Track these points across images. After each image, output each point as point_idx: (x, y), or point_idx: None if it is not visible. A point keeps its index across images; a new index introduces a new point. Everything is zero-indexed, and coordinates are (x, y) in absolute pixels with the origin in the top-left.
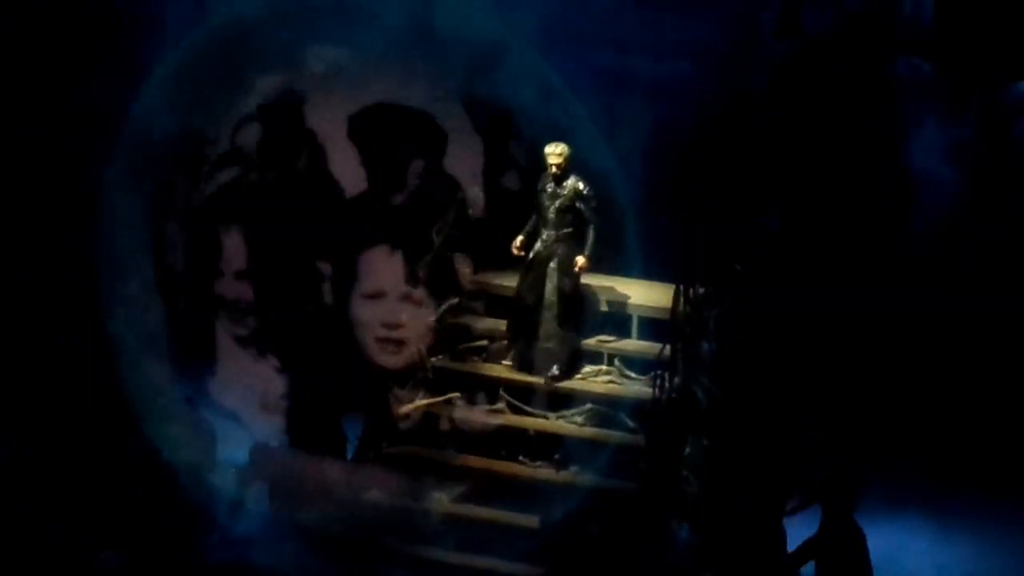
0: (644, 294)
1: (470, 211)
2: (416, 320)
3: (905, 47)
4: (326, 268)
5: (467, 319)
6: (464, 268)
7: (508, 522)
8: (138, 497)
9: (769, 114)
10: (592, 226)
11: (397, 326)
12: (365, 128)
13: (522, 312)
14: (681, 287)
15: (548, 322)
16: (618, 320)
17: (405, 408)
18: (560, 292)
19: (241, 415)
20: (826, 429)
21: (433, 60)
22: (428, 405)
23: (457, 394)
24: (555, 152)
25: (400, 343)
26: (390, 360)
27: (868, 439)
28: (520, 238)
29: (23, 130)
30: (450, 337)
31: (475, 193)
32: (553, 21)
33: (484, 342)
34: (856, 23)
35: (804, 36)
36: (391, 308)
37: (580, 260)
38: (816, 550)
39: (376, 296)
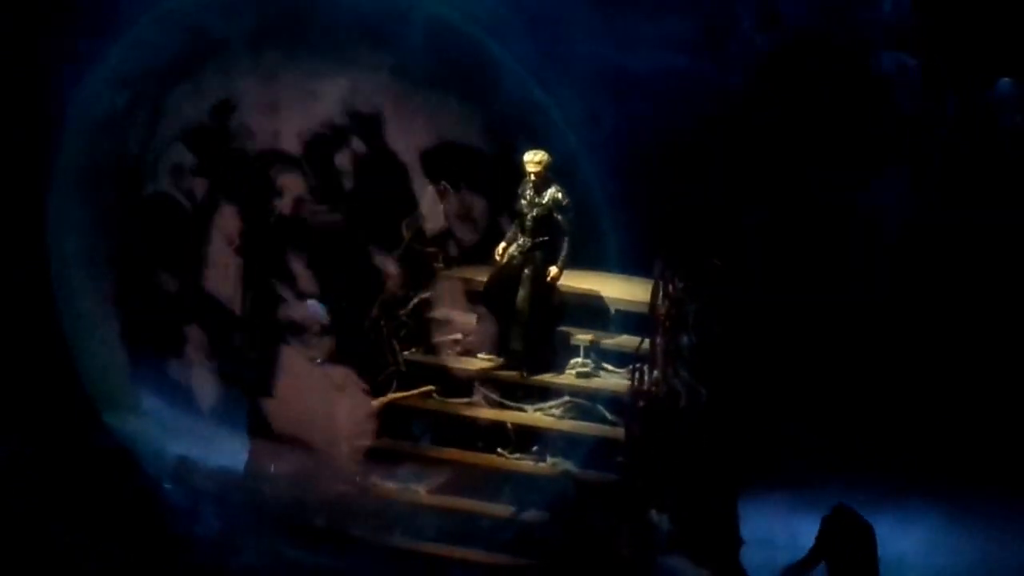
0: (622, 288)
1: (440, 205)
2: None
3: (888, 42)
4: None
5: (441, 312)
6: (436, 262)
7: (486, 513)
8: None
9: (752, 108)
10: (567, 237)
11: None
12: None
13: (491, 314)
14: (660, 281)
15: (518, 327)
16: (596, 314)
17: (378, 401)
18: (532, 299)
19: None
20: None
21: (405, 53)
22: (403, 398)
23: (432, 387)
24: (534, 160)
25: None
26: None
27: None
28: (503, 244)
29: None
30: (423, 330)
31: (443, 187)
32: (529, 14)
33: (458, 336)
34: (837, 16)
35: (784, 29)
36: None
37: (553, 270)
38: (823, 550)
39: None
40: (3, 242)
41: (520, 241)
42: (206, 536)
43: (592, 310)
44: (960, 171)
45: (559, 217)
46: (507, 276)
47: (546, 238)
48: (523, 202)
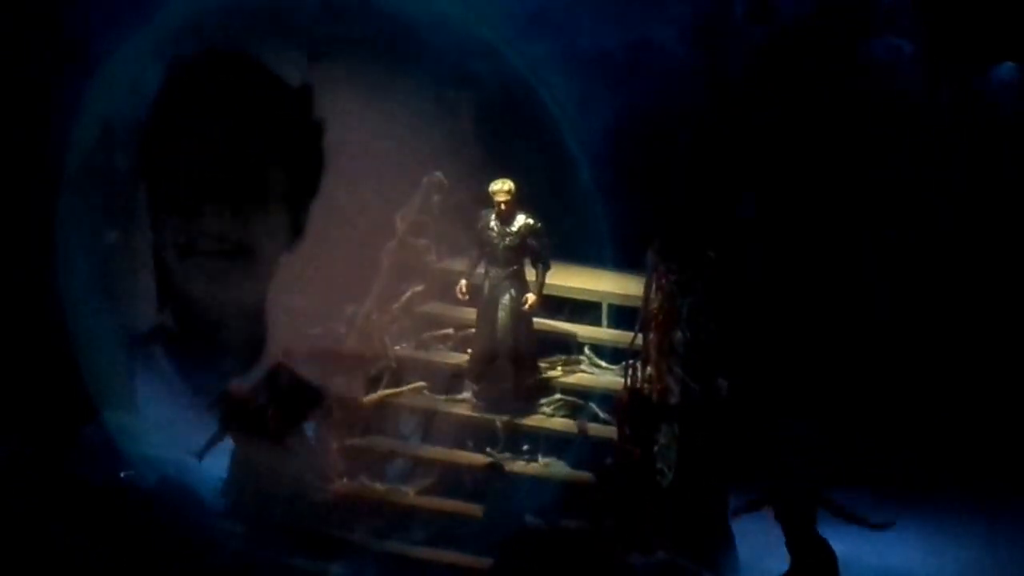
0: (615, 283)
1: (435, 197)
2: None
3: (886, 29)
4: None
5: (432, 307)
6: (429, 255)
7: (474, 515)
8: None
9: (747, 99)
10: (543, 262)
11: None
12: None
13: (479, 352)
14: (653, 275)
15: (503, 361)
16: (589, 309)
17: (369, 397)
18: (513, 331)
19: None
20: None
21: (398, 41)
22: (393, 395)
23: (423, 383)
24: (502, 189)
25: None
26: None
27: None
28: (464, 282)
29: None
30: (414, 325)
31: (438, 178)
32: (522, 3)
33: (449, 330)
34: (832, 5)
35: (778, 19)
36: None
37: (531, 298)
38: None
39: None
40: (5, 242)
41: (491, 274)
42: (195, 536)
43: (584, 306)
44: (960, 160)
45: (534, 243)
46: (485, 314)
47: (518, 266)
48: (491, 233)
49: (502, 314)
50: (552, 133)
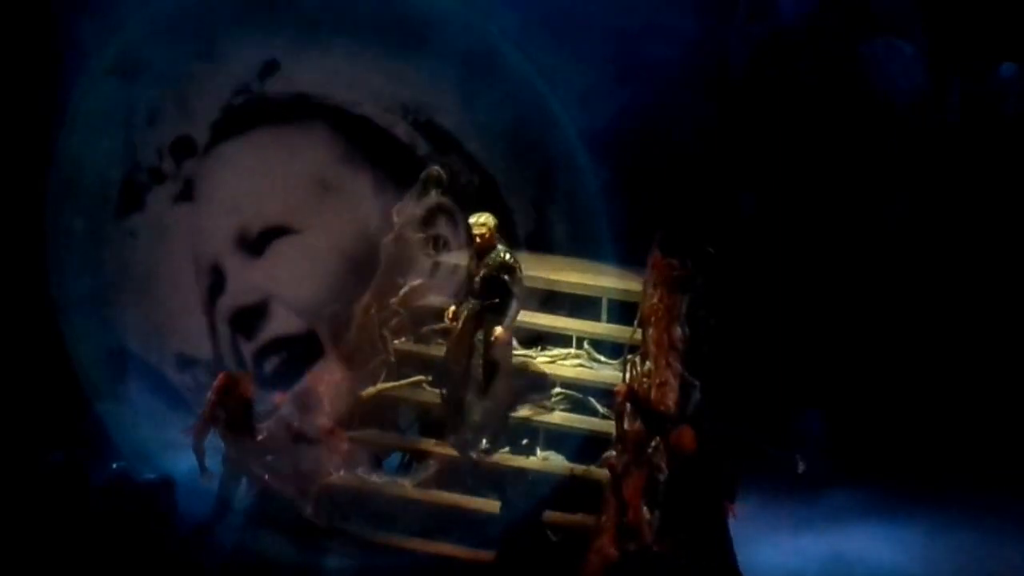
0: (615, 278)
1: (434, 192)
2: None
3: (886, 29)
4: None
5: (431, 301)
6: (428, 250)
7: (472, 508)
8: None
9: (747, 97)
10: (515, 299)
11: None
12: None
13: (451, 382)
14: (654, 270)
15: (474, 394)
16: (589, 304)
17: (367, 392)
18: (486, 364)
19: None
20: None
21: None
22: (391, 388)
23: (422, 377)
24: (479, 222)
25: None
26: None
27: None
28: (453, 308)
29: None
30: (413, 319)
31: (436, 171)
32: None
33: (448, 325)
34: (833, 4)
35: (779, 19)
36: None
37: (498, 331)
38: None
39: None
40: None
41: (469, 304)
42: (185, 528)
43: (585, 301)
44: (962, 159)
45: (506, 278)
46: (460, 343)
47: (496, 300)
48: (469, 264)
49: (476, 348)
50: (554, 128)
